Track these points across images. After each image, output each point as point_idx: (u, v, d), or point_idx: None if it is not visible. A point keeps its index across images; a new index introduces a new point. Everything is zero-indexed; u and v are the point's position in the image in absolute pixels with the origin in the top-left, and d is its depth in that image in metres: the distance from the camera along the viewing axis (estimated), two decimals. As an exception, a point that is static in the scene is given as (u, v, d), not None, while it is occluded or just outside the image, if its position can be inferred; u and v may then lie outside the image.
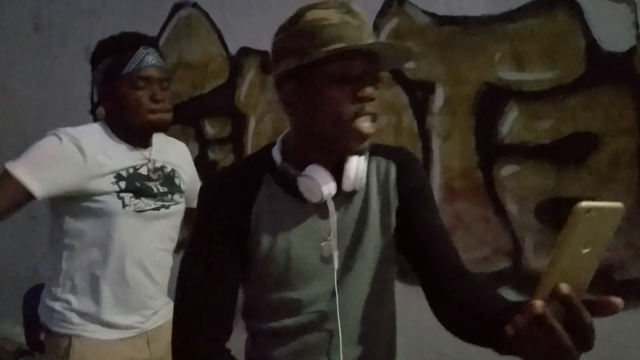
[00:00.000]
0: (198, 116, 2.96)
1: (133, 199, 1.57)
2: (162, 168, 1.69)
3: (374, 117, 0.99)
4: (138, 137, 1.63)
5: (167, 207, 1.65)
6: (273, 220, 1.04)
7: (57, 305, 1.57)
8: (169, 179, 1.69)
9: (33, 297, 1.76)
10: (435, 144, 2.13)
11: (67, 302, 1.57)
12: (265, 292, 1.07)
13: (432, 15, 2.13)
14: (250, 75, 2.70)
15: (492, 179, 2.03)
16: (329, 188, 1.01)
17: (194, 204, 1.82)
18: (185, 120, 3.01)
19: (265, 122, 2.65)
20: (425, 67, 2.14)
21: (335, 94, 0.95)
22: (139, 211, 1.57)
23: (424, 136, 2.15)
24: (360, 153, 1.02)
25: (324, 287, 1.07)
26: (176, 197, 1.69)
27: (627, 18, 1.74)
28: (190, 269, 1.04)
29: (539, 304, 0.63)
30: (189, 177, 1.81)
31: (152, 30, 3.07)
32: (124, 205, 1.54)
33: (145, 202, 1.59)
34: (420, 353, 2.12)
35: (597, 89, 1.82)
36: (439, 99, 2.12)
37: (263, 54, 2.64)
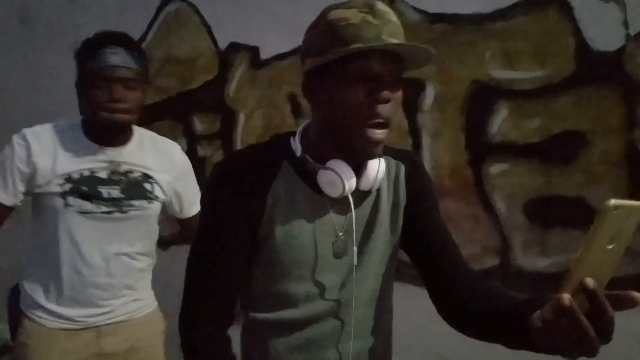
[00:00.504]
0: (187, 112, 2.94)
1: (79, 200, 1.64)
2: (127, 173, 1.71)
3: (387, 122, 0.97)
4: (100, 136, 1.68)
5: (123, 212, 1.69)
6: (289, 208, 1.05)
7: (23, 285, 1.73)
8: (133, 185, 1.71)
9: (17, 293, 1.76)
10: (426, 141, 2.14)
11: (26, 285, 1.72)
12: (273, 282, 1.07)
13: (424, 12, 2.13)
14: (240, 70, 2.68)
15: (481, 177, 2.04)
16: (350, 183, 1.02)
17: (187, 213, 1.85)
18: (173, 116, 2.99)
19: (255, 119, 2.63)
20: (415, 65, 2.13)
21: (351, 94, 0.95)
22: (84, 212, 1.65)
23: (415, 134, 2.15)
24: (372, 157, 1.04)
25: (334, 280, 1.09)
26: (139, 202, 1.72)
27: (616, 18, 1.75)
28: (199, 253, 1.07)
29: (567, 297, 0.66)
30: (174, 183, 1.80)
31: (140, 24, 3.04)
32: (65, 205, 1.63)
33: (95, 205, 1.65)
34: (410, 350, 2.12)
35: (586, 88, 1.83)
36: (429, 96, 2.12)
37: (253, 49, 2.62)
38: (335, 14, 0.97)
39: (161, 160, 1.78)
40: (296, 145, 1.07)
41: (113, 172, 1.68)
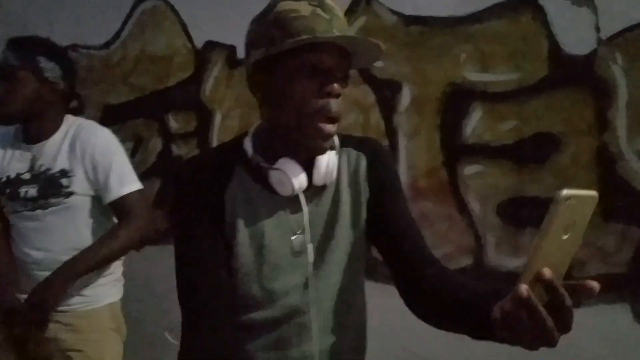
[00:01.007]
0: (162, 110, 2.91)
1: (8, 201, 1.83)
2: (46, 171, 1.80)
3: (337, 117, 0.98)
4: (23, 134, 1.86)
5: (44, 209, 1.79)
6: (247, 209, 1.04)
7: None
8: (49, 182, 1.79)
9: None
10: (402, 142, 2.15)
11: None
12: (238, 284, 1.05)
13: (400, 14, 2.15)
14: (217, 69, 2.67)
15: (456, 177, 2.06)
16: (299, 182, 1.01)
17: (114, 195, 1.83)
18: (148, 114, 2.96)
19: (231, 118, 2.62)
20: (392, 66, 2.15)
21: (301, 86, 0.95)
22: (15, 212, 1.83)
23: (391, 134, 2.16)
24: (321, 152, 1.03)
25: (296, 279, 1.07)
26: (56, 199, 1.78)
27: (588, 22, 1.78)
28: (184, 267, 1.04)
29: (524, 287, 0.66)
30: (96, 171, 1.80)
31: (115, 21, 3.01)
32: (2, 207, 1.86)
33: (20, 205, 1.81)
34: (385, 350, 2.14)
35: (558, 91, 1.86)
36: (405, 98, 2.14)
37: (230, 47, 2.61)
38: (284, 6, 0.96)
39: (81, 150, 1.80)
40: (248, 146, 1.06)
41: (34, 171, 1.80)
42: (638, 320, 1.75)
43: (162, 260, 2.89)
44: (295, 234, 1.06)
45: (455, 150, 2.06)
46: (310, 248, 1.07)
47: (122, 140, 2.99)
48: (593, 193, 0.67)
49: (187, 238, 1.03)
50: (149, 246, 2.91)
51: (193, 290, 1.01)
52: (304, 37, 0.92)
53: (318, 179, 1.05)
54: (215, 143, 2.70)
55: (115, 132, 3.01)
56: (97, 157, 1.81)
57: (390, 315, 1.98)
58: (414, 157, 2.13)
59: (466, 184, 2.04)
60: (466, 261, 2.04)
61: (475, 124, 2.02)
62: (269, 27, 0.96)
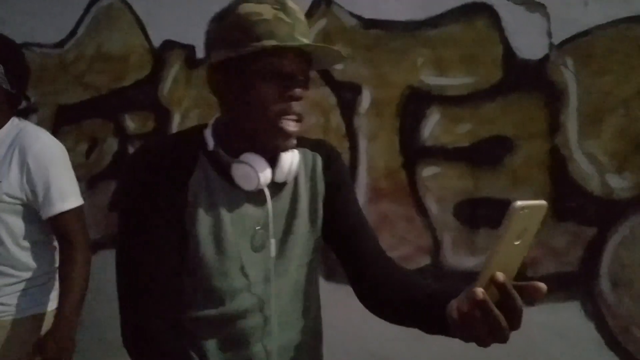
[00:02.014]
0: (118, 110, 2.85)
1: None
2: None
3: (300, 117, 0.99)
4: None
5: None
6: (209, 201, 1.02)
7: None
8: None
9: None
10: (362, 144, 2.17)
11: None
12: (196, 278, 1.04)
13: (359, 18, 2.17)
14: (175, 69, 2.63)
15: (414, 179, 2.09)
16: (265, 176, 1.02)
17: (48, 212, 1.72)
18: (103, 114, 2.90)
19: (191, 118, 2.59)
20: (352, 69, 2.17)
21: (263, 90, 0.96)
22: None
23: (351, 136, 2.18)
24: (285, 150, 1.03)
25: (256, 275, 1.07)
26: None
27: (541, 27, 1.84)
28: (128, 248, 0.99)
29: (480, 291, 0.72)
30: (30, 180, 1.70)
31: (69, 19, 2.93)
32: None
33: None
34: (346, 350, 2.15)
35: (512, 94, 1.92)
36: (365, 100, 2.16)
37: (189, 47, 2.58)
38: (246, 8, 0.96)
39: (19, 156, 1.70)
40: (208, 138, 1.05)
41: None
42: (589, 318, 1.82)
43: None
44: (255, 228, 1.07)
45: (413, 153, 2.09)
46: (273, 243, 1.08)
47: (77, 141, 2.97)
48: (543, 203, 0.72)
49: (141, 226, 0.98)
50: (103, 250, 2.85)
51: (140, 277, 0.97)
52: (266, 42, 0.93)
53: (280, 176, 1.05)
54: (173, 144, 2.66)
55: (69, 132, 2.98)
56: (35, 165, 1.69)
57: (351, 316, 1.99)
58: (373, 158, 2.16)
59: (424, 186, 2.08)
60: (424, 261, 2.08)
61: (432, 127, 2.06)
62: (230, 28, 0.96)
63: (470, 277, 1.99)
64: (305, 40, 0.98)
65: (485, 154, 1.97)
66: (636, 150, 1.74)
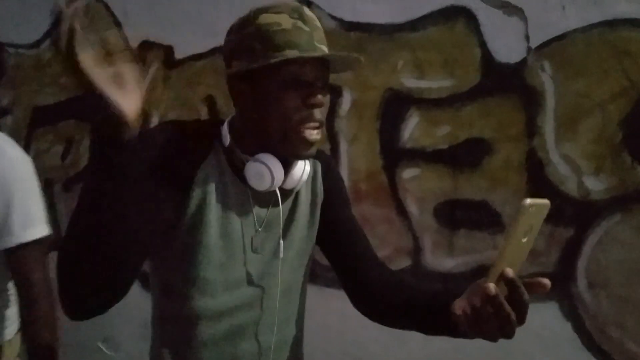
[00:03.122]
0: (94, 111, 2.81)
1: None
2: None
3: (321, 124, 1.00)
4: None
5: None
6: (216, 189, 1.02)
7: None
8: None
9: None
10: (343, 146, 2.17)
11: None
12: (195, 268, 1.04)
13: (339, 20, 2.17)
14: (153, 70, 2.60)
15: (394, 181, 2.10)
16: (278, 178, 1.02)
17: (10, 241, 1.38)
18: (79, 115, 2.86)
19: (169, 119, 2.56)
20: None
21: (286, 98, 0.96)
22: None
23: (332, 138, 2.18)
24: (306, 158, 1.04)
25: (252, 273, 1.09)
26: None
27: (518, 31, 1.86)
28: (111, 194, 0.84)
29: (492, 286, 0.76)
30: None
31: (46, 19, 2.89)
32: None
33: None
34: (326, 352, 2.15)
35: (490, 97, 1.93)
36: (346, 102, 2.16)
37: (167, 48, 2.55)
38: (265, 18, 0.97)
39: None
40: (224, 133, 1.05)
41: None
42: (566, 318, 1.84)
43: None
44: (255, 228, 1.08)
45: (393, 155, 2.10)
46: (282, 244, 1.11)
47: (52, 143, 2.92)
48: (547, 201, 0.75)
49: (135, 187, 0.87)
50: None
51: (103, 227, 0.84)
52: (288, 53, 0.94)
53: (291, 183, 1.07)
54: (151, 146, 2.63)
55: (45, 134, 2.93)
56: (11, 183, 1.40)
57: (331, 319, 1.99)
58: (354, 160, 2.16)
59: (404, 187, 2.09)
60: (404, 262, 2.08)
61: (412, 129, 2.07)
62: (250, 39, 0.96)
63: (449, 278, 2.02)
64: (325, 49, 0.99)
65: (464, 156, 1.98)
66: (612, 152, 1.76)
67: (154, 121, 2.61)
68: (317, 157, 1.19)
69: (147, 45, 2.61)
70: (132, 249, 0.88)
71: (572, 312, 1.84)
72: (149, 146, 0.97)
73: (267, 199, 1.08)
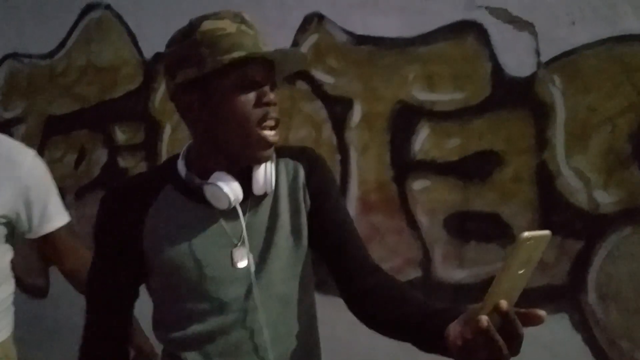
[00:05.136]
0: (108, 121, 2.85)
1: None
2: None
3: (277, 122, 1.02)
4: None
5: None
6: (174, 228, 1.05)
7: None
8: None
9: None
10: (353, 157, 2.19)
11: None
12: (179, 301, 1.07)
13: (351, 34, 2.20)
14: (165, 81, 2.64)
15: (405, 192, 2.12)
16: (235, 193, 1.03)
17: (40, 230, 1.54)
18: (93, 125, 2.90)
19: (182, 130, 2.59)
20: (343, 84, 2.20)
21: (240, 101, 0.98)
22: None
23: (342, 150, 2.21)
24: (265, 161, 1.05)
25: (237, 290, 1.08)
26: None
27: (529, 46, 1.88)
28: (89, 285, 1.12)
29: (484, 319, 0.74)
30: (20, 197, 1.50)
31: (60, 30, 2.93)
32: None
33: None
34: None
35: (500, 111, 1.95)
36: (356, 114, 2.19)
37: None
38: (209, 25, 0.97)
39: (3, 172, 1.49)
40: (181, 166, 1.08)
41: None
42: (576, 330, 1.85)
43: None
44: (234, 245, 1.07)
45: (404, 166, 2.12)
46: (250, 258, 1.08)
47: (65, 152, 2.96)
48: (547, 233, 0.74)
49: (99, 257, 1.09)
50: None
51: (92, 301, 1.12)
52: (237, 53, 0.95)
53: (257, 189, 1.07)
54: (164, 155, 2.66)
55: (58, 143, 2.97)
56: (25, 180, 1.51)
57: (339, 328, 2.00)
58: (364, 172, 2.18)
59: (414, 199, 2.10)
60: (414, 274, 2.10)
61: (422, 141, 2.09)
62: (196, 46, 0.97)
63: (459, 289, 2.03)
64: (270, 48, 1.01)
65: (474, 169, 2.00)
66: (621, 166, 1.78)
67: (167, 132, 2.65)
68: (299, 158, 1.16)
69: (160, 57, 2.65)
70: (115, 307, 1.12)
71: (583, 324, 1.84)
72: (99, 218, 1.09)
73: (237, 214, 1.07)
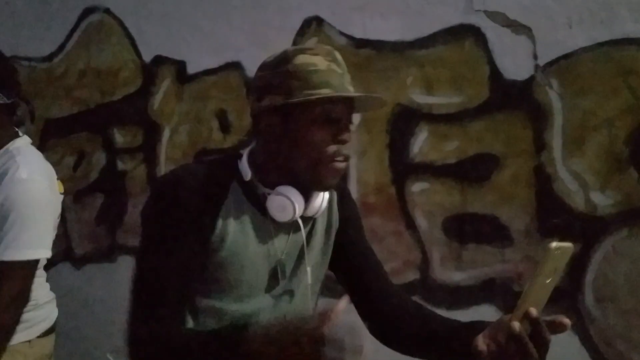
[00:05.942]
0: (107, 124, 2.85)
1: None
2: None
3: (347, 158, 1.06)
4: None
5: None
6: (238, 227, 1.06)
7: None
8: None
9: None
10: (352, 160, 2.19)
11: None
12: (210, 299, 1.07)
13: (350, 37, 2.21)
14: (166, 84, 2.65)
15: (403, 194, 2.13)
16: (300, 209, 1.06)
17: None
18: (92, 128, 2.90)
19: (180, 133, 2.60)
20: (342, 86, 2.20)
21: (318, 134, 1.01)
22: None
23: (342, 152, 2.21)
24: (329, 188, 1.09)
25: (267, 301, 1.11)
26: None
27: (527, 49, 1.90)
28: (151, 260, 1.02)
29: (517, 324, 0.81)
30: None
31: (59, 34, 2.94)
32: None
33: None
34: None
35: (498, 113, 1.97)
36: (355, 117, 2.18)
37: (179, 63, 2.60)
38: (302, 59, 1.02)
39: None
40: (244, 168, 1.09)
41: None
42: (573, 331, 1.85)
43: (102, 278, 2.84)
44: (276, 257, 1.11)
45: (402, 169, 2.13)
46: (309, 271, 1.13)
47: (64, 154, 2.96)
48: (571, 245, 0.80)
49: (167, 242, 1.02)
50: (89, 264, 2.83)
51: (159, 289, 1.01)
52: (324, 91, 0.99)
53: (311, 211, 1.10)
54: (163, 158, 2.67)
55: (57, 146, 2.97)
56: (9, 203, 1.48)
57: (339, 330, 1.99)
58: (363, 174, 2.19)
59: (413, 201, 2.11)
60: (413, 275, 2.11)
61: (421, 144, 2.10)
62: (287, 76, 1.02)
63: (457, 291, 2.03)
64: (352, 89, 1.05)
65: (472, 171, 2.01)
66: (618, 168, 1.79)
67: (166, 135, 2.65)
68: None
69: (160, 60, 2.67)
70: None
71: (580, 326, 1.85)
72: (170, 199, 1.03)
73: (287, 228, 1.11)
